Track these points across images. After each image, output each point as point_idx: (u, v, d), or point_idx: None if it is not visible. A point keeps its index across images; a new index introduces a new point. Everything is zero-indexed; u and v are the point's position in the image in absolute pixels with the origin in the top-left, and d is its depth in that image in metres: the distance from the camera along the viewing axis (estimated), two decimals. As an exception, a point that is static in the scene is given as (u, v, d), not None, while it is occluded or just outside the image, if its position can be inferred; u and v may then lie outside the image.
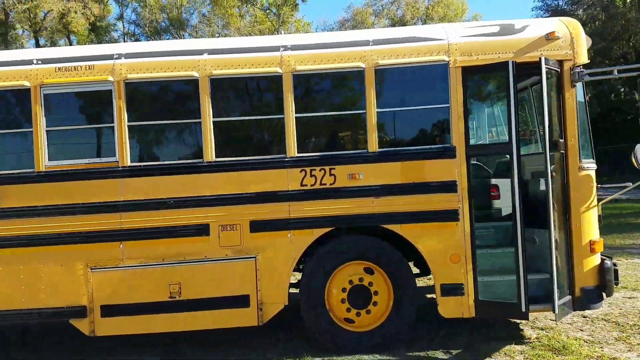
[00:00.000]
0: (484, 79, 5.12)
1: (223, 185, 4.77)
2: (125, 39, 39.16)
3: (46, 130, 4.73)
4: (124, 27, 40.89)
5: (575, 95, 4.82)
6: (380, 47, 4.84)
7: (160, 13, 39.47)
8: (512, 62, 4.62)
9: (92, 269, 4.74)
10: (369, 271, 4.85)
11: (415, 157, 4.83)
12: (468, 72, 4.79)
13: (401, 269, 4.84)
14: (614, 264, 4.91)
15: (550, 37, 4.82)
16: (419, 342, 5.04)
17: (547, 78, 4.73)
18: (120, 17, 40.50)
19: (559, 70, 4.79)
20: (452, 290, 4.78)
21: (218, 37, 33.44)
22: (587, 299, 4.83)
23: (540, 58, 4.54)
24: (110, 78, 4.72)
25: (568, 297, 4.80)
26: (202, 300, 4.75)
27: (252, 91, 5.03)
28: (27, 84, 4.71)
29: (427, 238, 4.79)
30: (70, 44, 36.53)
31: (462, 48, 4.83)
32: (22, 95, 4.74)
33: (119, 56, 4.81)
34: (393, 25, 40.53)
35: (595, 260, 4.84)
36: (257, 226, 4.77)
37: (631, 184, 4.99)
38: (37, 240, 4.70)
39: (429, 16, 42.68)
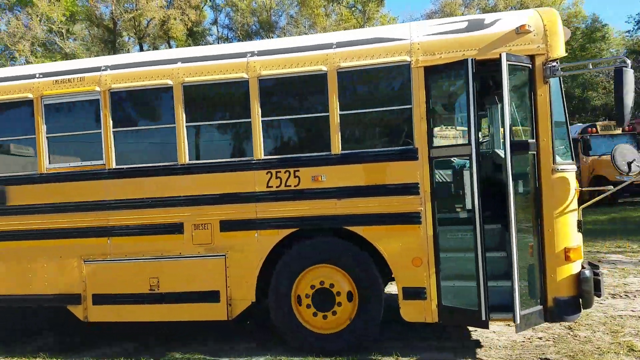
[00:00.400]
0: (447, 79, 4.97)
1: (196, 186, 5.11)
2: (220, 42, 41.25)
3: (46, 137, 5.36)
4: (218, 31, 43.05)
5: (549, 91, 4.57)
6: (342, 50, 4.90)
7: (251, 16, 41.00)
8: (471, 59, 4.48)
9: (85, 261, 5.31)
10: (332, 273, 4.96)
11: (377, 159, 4.85)
12: (430, 72, 4.71)
13: (365, 270, 4.88)
14: (596, 274, 4.63)
15: (521, 31, 4.60)
16: (389, 343, 5.10)
17: (516, 74, 4.57)
18: (215, 22, 42.69)
19: (530, 65, 4.57)
20: (414, 294, 4.75)
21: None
22: (560, 310, 4.59)
23: (500, 55, 4.37)
24: (97, 88, 5.24)
25: (539, 307, 4.59)
26: (177, 294, 5.14)
27: (221, 96, 5.30)
28: (30, 95, 5.36)
29: (388, 240, 4.80)
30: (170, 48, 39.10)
31: (424, 47, 4.75)
32: (27, 106, 5.39)
33: (105, 68, 5.31)
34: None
35: (571, 268, 4.58)
36: (227, 226, 5.06)
37: (612, 187, 4.66)
38: (39, 234, 5.36)
39: (523, 4, 40.39)
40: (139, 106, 5.41)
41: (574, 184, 4.65)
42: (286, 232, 4.95)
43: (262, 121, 4.98)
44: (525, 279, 4.69)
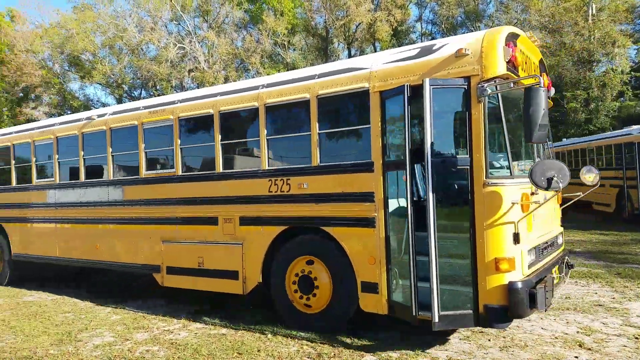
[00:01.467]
0: (396, 102, 5.45)
1: (226, 189, 6.79)
2: (423, 39, 42.24)
3: (144, 151, 7.68)
4: (421, 27, 43.99)
5: (484, 110, 4.90)
6: (321, 80, 5.99)
7: (457, 8, 40.89)
8: (407, 85, 5.13)
9: (163, 241, 7.48)
10: (310, 262, 6.09)
11: (341, 171, 5.80)
12: (384, 95, 5.46)
13: (338, 263, 5.86)
14: (533, 288, 4.81)
15: (459, 54, 5.05)
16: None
17: (453, 94, 5.05)
18: (419, 19, 43.68)
19: (466, 86, 4.98)
20: (369, 288, 5.58)
21: (515, 22, 32.83)
22: (490, 317, 4.93)
23: (423, 80, 4.94)
24: (171, 117, 7.31)
25: (468, 311, 5.00)
26: (214, 271, 6.91)
27: (241, 120, 6.82)
28: (136, 122, 7.75)
29: (351, 240, 5.72)
30: (375, 51, 41.46)
31: (380, 74, 5.53)
32: (134, 130, 7.80)
33: (178, 101, 7.36)
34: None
35: (501, 279, 4.86)
36: (243, 221, 6.62)
37: (581, 193, 4.77)
38: (138, 220, 7.77)
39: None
40: (193, 130, 7.33)
41: (509, 198, 4.90)
42: (280, 229, 6.28)
43: (266, 139, 6.39)
44: (459, 284, 5.13)
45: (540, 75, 6.02)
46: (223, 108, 6.82)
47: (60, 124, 9.33)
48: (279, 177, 6.28)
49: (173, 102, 7.46)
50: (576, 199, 6.02)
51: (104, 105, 39.91)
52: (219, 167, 6.87)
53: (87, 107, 36.85)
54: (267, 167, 6.40)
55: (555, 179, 4.54)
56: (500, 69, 4.95)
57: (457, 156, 5.12)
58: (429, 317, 5.02)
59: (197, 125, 7.26)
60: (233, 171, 6.81)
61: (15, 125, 26.38)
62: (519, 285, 4.81)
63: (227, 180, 6.80)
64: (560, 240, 6.51)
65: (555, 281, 5.75)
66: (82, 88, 42.74)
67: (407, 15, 41.99)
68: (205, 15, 40.50)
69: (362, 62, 5.86)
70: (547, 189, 4.62)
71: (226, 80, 36.04)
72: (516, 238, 4.91)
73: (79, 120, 8.93)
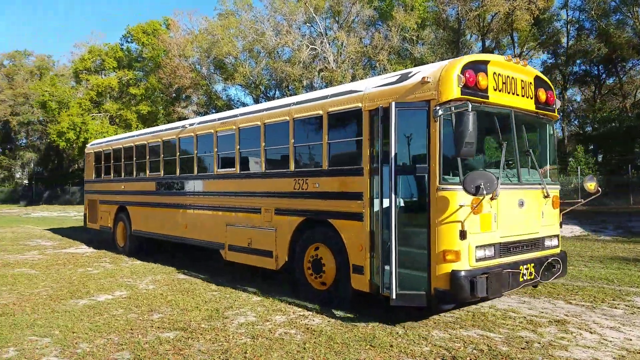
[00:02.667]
0: (379, 119, 6.65)
1: (267, 185, 8.60)
2: (568, 27, 40.04)
3: (218, 154, 9.81)
4: (567, 15, 41.40)
5: (439, 127, 6.04)
6: (331, 100, 7.50)
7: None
8: (381, 107, 6.46)
9: (227, 225, 9.53)
10: (323, 250, 7.63)
11: (342, 174, 7.26)
12: (371, 114, 6.81)
13: (338, 247, 7.31)
14: (474, 277, 5.87)
15: (423, 81, 6.24)
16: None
17: (416, 115, 6.26)
18: (564, 5, 41.12)
19: (426, 108, 6.16)
20: (358, 269, 6.98)
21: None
22: (438, 299, 6.11)
23: (390, 103, 6.23)
24: (233, 127, 9.33)
25: (422, 292, 6.20)
26: (258, 249, 8.77)
27: (278, 131, 8.51)
28: (211, 131, 9.91)
29: (346, 231, 7.16)
30: (513, 42, 40.20)
31: (369, 96, 6.89)
32: (210, 137, 9.98)
33: (239, 115, 9.35)
34: None
35: (448, 267, 5.99)
36: (277, 211, 8.38)
37: (582, 199, 5.72)
38: (212, 207, 9.95)
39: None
40: (247, 138, 9.24)
41: (458, 201, 5.98)
42: (300, 219, 7.93)
43: (293, 146, 8.07)
44: (417, 270, 6.32)
45: (537, 92, 7.00)
46: (267, 121, 8.66)
47: (165, 130, 12.15)
48: (300, 177, 7.94)
49: (235, 116, 9.53)
50: (576, 205, 6.78)
51: (243, 104, 44.31)
52: (263, 168, 8.71)
53: (229, 107, 41.15)
54: (293, 169, 8.09)
55: (482, 186, 5.57)
56: (454, 93, 6.05)
57: (418, 165, 6.33)
58: (388, 294, 6.32)
59: (250, 134, 9.17)
60: (271, 171, 8.63)
61: (168, 122, 31.19)
62: (462, 274, 5.91)
63: (267, 178, 8.65)
64: (550, 243, 7.25)
65: (527, 277, 6.63)
66: (225, 89, 47.56)
67: (550, 2, 39.68)
68: (337, 15, 42.61)
69: (359, 86, 7.28)
70: (475, 194, 5.66)
71: (353, 78, 37.77)
72: (462, 235, 5.98)
73: (177, 127, 11.56)
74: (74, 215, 34.14)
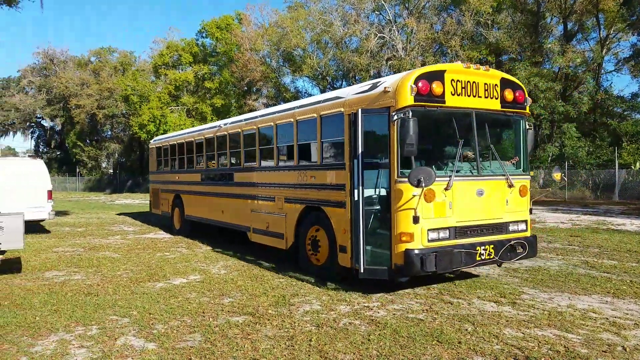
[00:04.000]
0: (355, 122, 8.09)
1: (279, 177, 10.37)
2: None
3: (244, 150, 11.71)
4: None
5: (397, 130, 7.46)
6: (322, 104, 9.12)
7: None
8: (352, 112, 8.01)
9: (251, 211, 11.42)
10: (317, 230, 9.27)
11: (331, 168, 8.86)
12: (350, 118, 8.35)
13: (330, 230, 8.91)
14: (424, 255, 7.30)
15: (385, 91, 7.71)
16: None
17: (380, 118, 7.74)
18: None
19: (387, 113, 7.63)
20: (342, 249, 8.56)
21: None
22: (397, 272, 7.60)
23: (357, 109, 7.74)
24: (254, 127, 11.16)
25: (384, 267, 7.71)
26: (272, 232, 10.59)
27: (286, 131, 10.20)
28: (239, 130, 11.82)
29: (334, 216, 8.77)
30: (598, 24, 38.86)
31: (348, 102, 8.45)
32: (238, 135, 11.90)
33: (259, 116, 11.15)
34: None
35: (403, 247, 7.45)
36: (286, 200, 10.14)
37: (550, 189, 7.03)
38: (241, 196, 11.90)
39: None
40: (264, 136, 11.04)
41: (411, 191, 7.39)
42: (302, 207, 9.62)
43: (297, 144, 9.77)
44: (382, 248, 7.81)
45: (503, 92, 8.25)
46: (278, 122, 10.45)
47: (207, 129, 14.40)
48: (302, 170, 9.63)
49: (255, 117, 11.43)
50: (544, 194, 7.95)
51: (310, 95, 46.06)
52: (275, 162, 10.50)
53: (296, 98, 42.96)
54: (297, 164, 9.80)
55: (422, 180, 6.99)
56: (408, 101, 7.45)
57: (382, 161, 7.81)
58: (356, 267, 7.89)
59: (266, 133, 10.98)
60: (282, 165, 10.41)
61: (240, 114, 33.25)
62: (414, 252, 7.37)
63: (279, 171, 10.44)
64: (515, 227, 8.44)
65: (485, 257, 7.93)
66: (293, 81, 49.55)
67: (642, -22, 37.95)
68: (406, 1, 43.06)
69: (342, 93, 8.89)
70: (417, 186, 7.08)
71: (423, 65, 37.97)
72: (416, 220, 7.41)
73: (213, 127, 13.81)
74: None
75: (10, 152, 73.28)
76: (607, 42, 38.39)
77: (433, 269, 7.39)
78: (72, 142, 60.61)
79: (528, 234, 8.64)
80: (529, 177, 8.83)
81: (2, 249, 7.47)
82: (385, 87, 7.73)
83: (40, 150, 68.70)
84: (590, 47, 40.12)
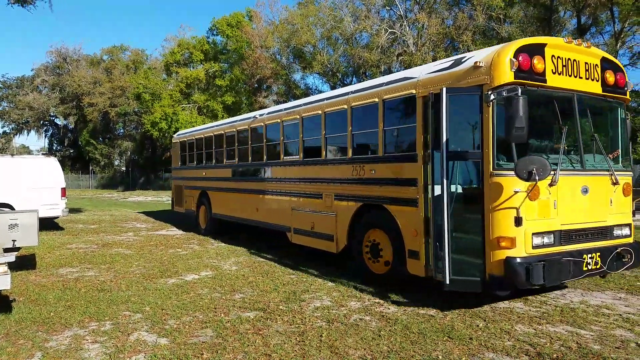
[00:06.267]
0: (433, 105, 6.53)
1: (327, 172, 8.78)
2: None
3: (284, 143, 10.12)
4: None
5: (493, 112, 5.90)
6: (386, 87, 7.49)
7: None
8: (431, 93, 6.39)
9: (292, 209, 9.82)
10: (378, 233, 7.69)
11: (397, 160, 7.26)
12: (424, 100, 6.75)
13: (394, 232, 7.35)
14: (530, 264, 5.72)
15: (475, 66, 6.11)
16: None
17: (470, 99, 6.15)
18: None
19: (479, 93, 6.03)
20: (413, 254, 6.99)
21: None
22: (492, 285, 6.06)
23: (441, 89, 6.15)
24: (298, 117, 9.56)
25: (476, 278, 6.13)
26: (320, 233, 9.00)
27: (337, 119, 8.60)
28: (279, 121, 10.21)
29: (401, 216, 7.18)
30: (612, 17, 37.27)
31: (424, 83, 6.83)
32: (278, 126, 10.30)
33: (302, 104, 9.54)
34: None
35: (502, 254, 5.88)
36: (337, 197, 8.53)
37: None
38: (278, 192, 10.30)
39: None
40: (310, 126, 9.45)
41: (512, 187, 5.82)
42: (358, 205, 8.03)
43: (351, 134, 8.17)
44: (471, 256, 6.23)
45: (604, 74, 6.66)
46: (327, 110, 8.82)
47: (239, 120, 12.73)
48: (357, 164, 8.04)
49: (298, 106, 9.82)
50: None
51: (320, 92, 44.56)
52: (323, 155, 8.90)
53: (306, 95, 41.65)
54: (350, 156, 8.20)
55: (534, 172, 5.40)
56: (507, 78, 5.88)
57: (471, 151, 6.21)
58: (441, 278, 6.32)
59: (312, 123, 9.37)
60: (331, 158, 8.80)
61: (251, 112, 31.94)
62: (517, 260, 5.80)
63: (328, 165, 8.83)
64: (620, 232, 6.85)
65: (591, 267, 6.35)
66: (303, 78, 48.03)
67: (659, -31, 36.28)
68: (418, -4, 41.58)
69: (413, 73, 7.25)
70: (527, 180, 5.50)
71: (434, 61, 36.61)
72: (518, 221, 5.84)
73: (248, 118, 12.12)
74: (166, 199, 35.70)
75: (25, 150, 72.01)
76: (622, 36, 36.66)
77: (541, 282, 5.81)
78: (85, 140, 59.10)
79: (631, 239, 7.04)
80: (631, 173, 7.24)
81: (17, 246, 7.41)
82: (476, 62, 6.13)
83: (54, 148, 67.14)
84: (604, 41, 38.50)
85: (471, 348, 5.25)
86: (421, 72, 7.09)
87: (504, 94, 5.75)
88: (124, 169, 63.29)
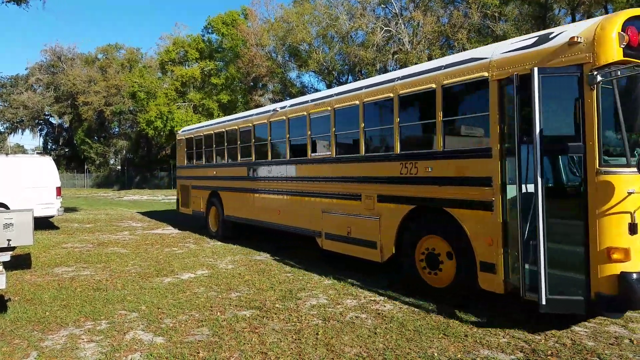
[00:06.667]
0: (513, 89, 5.30)
1: (366, 170, 7.49)
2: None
3: (310, 137, 8.81)
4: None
5: (597, 96, 4.67)
6: (446, 71, 6.20)
7: None
8: (516, 74, 5.14)
9: (322, 211, 8.52)
10: (436, 241, 6.44)
11: (463, 156, 5.99)
12: (501, 84, 5.49)
13: (459, 240, 6.11)
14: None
15: (571, 43, 4.87)
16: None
17: (566, 82, 4.91)
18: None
19: (578, 74, 4.79)
20: (487, 267, 5.73)
21: None
22: (601, 305, 4.81)
23: (532, 69, 4.88)
24: (329, 108, 8.27)
25: (579, 298, 4.89)
26: (358, 239, 7.70)
27: (380, 110, 7.33)
28: (304, 114, 8.89)
29: (470, 221, 5.92)
30: (606, 13, 36.52)
31: (499, 63, 5.56)
32: (304, 119, 8.97)
33: (334, 95, 8.23)
34: None
35: (614, 268, 4.66)
36: (381, 198, 7.24)
37: None
38: (305, 193, 8.97)
39: None
40: (343, 119, 8.16)
41: (625, 187, 4.61)
42: (409, 207, 6.75)
43: (399, 126, 6.88)
44: (571, 270, 5.00)
45: None
46: (366, 100, 7.51)
47: (256, 114, 11.22)
48: (408, 160, 6.75)
49: (330, 96, 8.48)
50: None
51: (316, 90, 43.25)
52: (362, 151, 7.60)
53: (302, 93, 40.37)
54: (399, 152, 6.92)
55: (665, 167, 4.18)
56: (614, 55, 4.64)
57: (571, 143, 4.96)
58: (533, 298, 5.08)
59: (346, 115, 8.05)
60: (373, 154, 7.50)
61: (246, 110, 30.76)
62: (634, 276, 4.57)
63: (368, 162, 7.52)
64: None
65: None
66: (298, 76, 46.67)
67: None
68: (413, -6, 40.46)
69: (483, 53, 5.95)
70: (656, 178, 4.27)
71: (429, 59, 35.85)
72: (632, 229, 4.61)
73: (267, 111, 10.67)
74: (161, 198, 34.67)
75: (20, 149, 69.86)
76: None
77: None
78: (80, 139, 57.15)
79: None
80: None
81: (12, 245, 7.16)
82: (572, 38, 4.87)
83: (49, 147, 65.00)
84: (599, 38, 37.57)
85: (466, 345, 5.09)
86: (493, 51, 5.81)
87: (619, 73, 4.52)
88: (119, 167, 61.40)
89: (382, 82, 7.34)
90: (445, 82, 6.21)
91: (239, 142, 11.71)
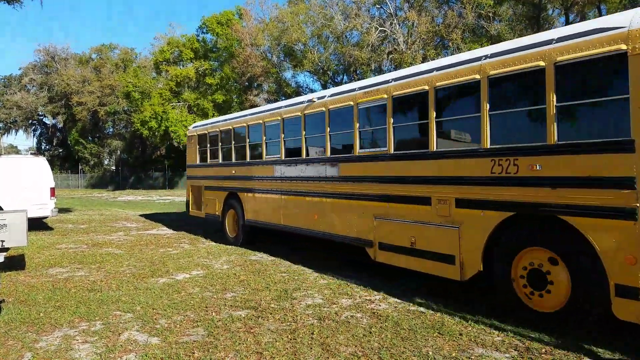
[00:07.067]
0: None
1: (439, 169, 6.01)
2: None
3: (359, 130, 7.30)
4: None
5: None
6: (561, 44, 4.75)
7: None
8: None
9: (375, 217, 7.04)
10: (544, 255, 5.00)
11: (590, 151, 4.54)
12: (647, 57, 4.06)
13: (580, 256, 4.71)
14: None
15: None
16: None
17: None
18: (665, -31, 35.96)
19: None
20: (627, 292, 4.32)
21: None
22: None
23: None
24: (385, 96, 6.74)
25: None
26: (426, 252, 6.24)
27: (458, 96, 5.87)
28: (351, 103, 7.37)
29: (599, 233, 4.48)
30: (600, 15, 35.60)
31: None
32: (350, 110, 7.45)
33: (392, 80, 6.73)
34: None
35: None
36: (461, 203, 5.77)
37: None
38: (354, 195, 7.52)
39: None
40: (405, 108, 6.67)
41: None
42: (506, 214, 5.29)
43: (488, 115, 5.42)
44: None
45: None
46: (439, 84, 6.01)
47: (286, 106, 9.56)
48: (503, 156, 5.27)
49: (387, 82, 6.91)
50: None
51: (312, 91, 41.81)
52: (433, 146, 6.11)
53: (297, 93, 39.02)
54: (488, 146, 5.45)
55: None
56: None
57: None
58: None
59: (410, 103, 6.57)
60: (448, 150, 5.98)
61: (241, 110, 29.10)
62: None
63: (441, 159, 6.01)
64: None
65: None
66: (294, 76, 45.26)
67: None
68: (408, -6, 39.32)
69: (617, 21, 4.49)
70: None
71: (424, 59, 34.78)
72: None
73: (301, 102, 9.06)
74: (156, 199, 33.33)
75: (13, 150, 67.36)
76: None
77: None
78: (74, 140, 54.88)
79: None
80: None
81: (5, 246, 6.96)
82: None
83: (43, 147, 62.53)
84: (592, 38, 36.80)
85: (460, 343, 4.90)
86: (633, 18, 4.38)
87: None
88: (113, 168, 59.23)
89: (463, 62, 5.83)
90: (559, 58, 4.74)
91: (264, 138, 10.07)
